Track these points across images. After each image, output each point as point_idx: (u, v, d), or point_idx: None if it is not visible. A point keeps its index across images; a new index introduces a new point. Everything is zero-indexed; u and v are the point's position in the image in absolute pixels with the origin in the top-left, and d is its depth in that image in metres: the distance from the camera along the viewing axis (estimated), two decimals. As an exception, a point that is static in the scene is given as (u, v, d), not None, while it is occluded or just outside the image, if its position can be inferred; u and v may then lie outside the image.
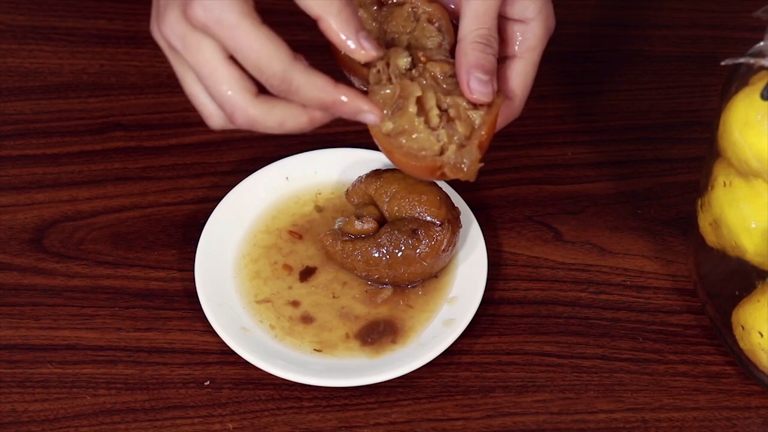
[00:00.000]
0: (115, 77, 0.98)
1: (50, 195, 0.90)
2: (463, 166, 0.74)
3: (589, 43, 1.03)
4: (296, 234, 0.87)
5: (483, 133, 0.74)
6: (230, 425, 0.78)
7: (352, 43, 0.71)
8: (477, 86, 0.74)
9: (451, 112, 0.75)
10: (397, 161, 0.75)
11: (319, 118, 0.72)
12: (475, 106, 0.75)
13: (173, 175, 0.91)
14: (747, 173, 0.74)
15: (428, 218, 0.82)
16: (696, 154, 0.92)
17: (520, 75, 0.78)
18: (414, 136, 0.74)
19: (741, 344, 0.78)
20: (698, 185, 0.81)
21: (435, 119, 0.74)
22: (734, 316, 0.78)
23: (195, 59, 0.71)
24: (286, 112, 0.72)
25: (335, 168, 0.90)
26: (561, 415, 0.79)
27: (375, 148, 0.90)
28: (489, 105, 0.75)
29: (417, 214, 0.82)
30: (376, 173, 0.86)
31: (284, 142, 0.93)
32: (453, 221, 0.82)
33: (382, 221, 0.84)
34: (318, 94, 0.70)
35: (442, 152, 0.74)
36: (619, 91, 0.99)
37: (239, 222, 0.87)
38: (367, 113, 0.72)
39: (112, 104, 0.96)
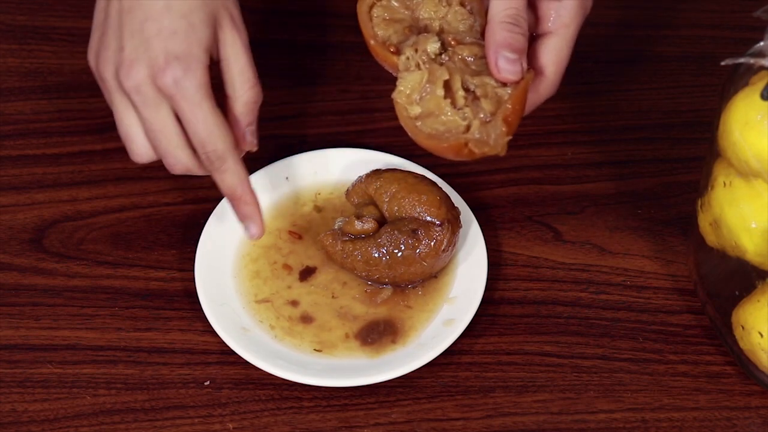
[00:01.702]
0: (115, 77, 0.98)
1: (50, 195, 0.90)
2: (489, 140, 0.75)
3: (589, 43, 1.02)
4: (296, 234, 0.87)
5: (509, 106, 0.74)
6: (230, 425, 0.78)
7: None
8: (504, 65, 0.75)
9: (478, 91, 0.76)
10: (422, 143, 0.77)
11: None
12: (505, 85, 0.76)
13: (173, 175, 0.91)
14: (747, 173, 0.74)
15: (428, 218, 0.82)
16: (696, 154, 0.92)
17: (553, 51, 0.78)
18: (441, 118, 0.75)
19: (741, 344, 0.78)
20: (698, 185, 0.81)
21: (461, 100, 0.76)
22: (734, 316, 0.78)
23: (149, 114, 0.78)
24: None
25: (335, 168, 0.90)
26: (561, 415, 0.79)
27: (375, 148, 0.90)
28: (518, 83, 0.75)
29: (417, 214, 0.82)
30: (376, 173, 0.85)
31: (284, 142, 0.93)
32: (453, 221, 0.82)
33: (382, 221, 0.84)
34: (237, 183, 0.80)
35: (468, 131, 0.75)
36: (619, 91, 0.99)
37: (239, 222, 0.87)
38: (250, 223, 0.82)
39: (112, 104, 0.96)
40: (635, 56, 1.02)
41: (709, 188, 0.78)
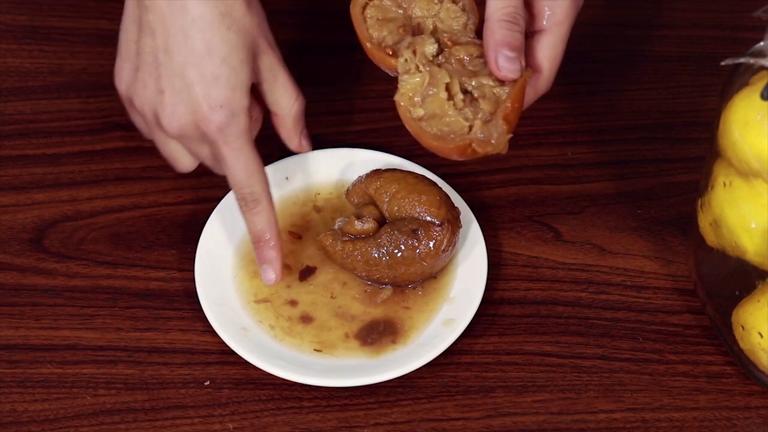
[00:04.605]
0: (115, 77, 0.98)
1: (50, 195, 0.90)
2: (491, 140, 0.75)
3: (589, 43, 1.03)
4: (295, 234, 0.87)
5: (508, 105, 0.75)
6: (230, 425, 0.78)
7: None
8: (504, 63, 0.76)
9: (475, 93, 0.76)
10: (427, 144, 0.78)
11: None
12: (503, 83, 0.76)
13: (173, 175, 0.91)
14: (747, 173, 0.74)
15: (428, 218, 0.82)
16: (696, 154, 0.92)
17: (548, 48, 0.79)
18: (444, 119, 0.76)
19: (741, 344, 0.78)
20: (698, 185, 0.81)
21: (459, 103, 0.76)
22: (734, 316, 0.78)
23: (192, 149, 0.84)
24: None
25: (335, 168, 0.90)
26: (561, 415, 0.79)
27: (375, 148, 0.90)
28: (516, 81, 0.76)
29: (417, 214, 0.82)
30: (376, 173, 0.85)
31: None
32: (453, 221, 0.82)
33: (382, 221, 0.84)
34: (267, 227, 0.81)
35: (470, 131, 0.76)
36: (619, 91, 0.99)
37: (239, 222, 0.87)
38: (269, 267, 0.82)
39: (112, 104, 0.95)
40: (635, 56, 1.02)
41: (709, 188, 0.78)
